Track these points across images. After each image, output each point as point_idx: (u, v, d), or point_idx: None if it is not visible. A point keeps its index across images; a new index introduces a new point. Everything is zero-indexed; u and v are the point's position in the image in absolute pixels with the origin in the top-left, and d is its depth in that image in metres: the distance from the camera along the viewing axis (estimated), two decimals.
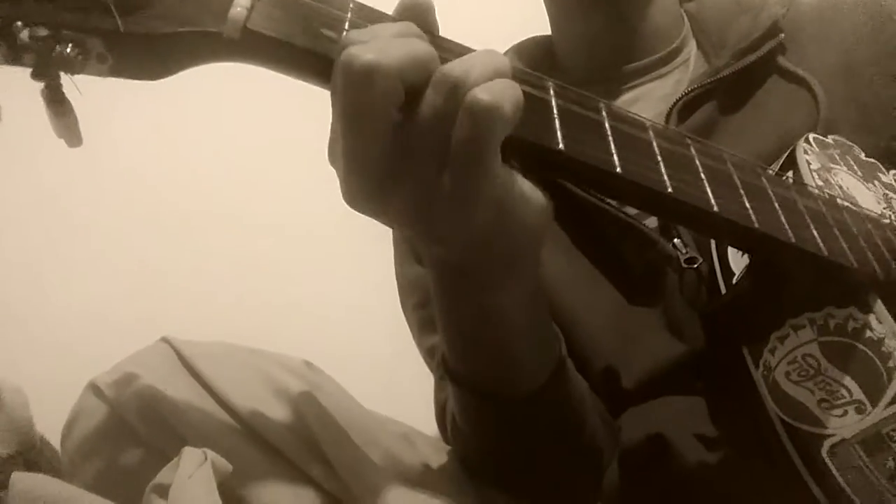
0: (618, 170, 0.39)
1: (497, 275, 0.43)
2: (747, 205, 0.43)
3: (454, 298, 0.45)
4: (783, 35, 0.69)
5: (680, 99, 0.68)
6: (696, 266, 0.63)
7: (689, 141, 0.45)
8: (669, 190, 0.40)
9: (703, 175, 0.43)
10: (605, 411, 0.64)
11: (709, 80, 0.68)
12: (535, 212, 0.40)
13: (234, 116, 1.22)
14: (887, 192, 0.59)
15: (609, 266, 0.67)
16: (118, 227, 1.23)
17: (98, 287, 1.19)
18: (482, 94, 0.34)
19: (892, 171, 0.62)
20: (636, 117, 0.44)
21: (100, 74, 0.35)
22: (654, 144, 0.42)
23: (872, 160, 0.61)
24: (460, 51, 0.39)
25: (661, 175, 0.41)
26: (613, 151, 0.40)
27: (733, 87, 0.69)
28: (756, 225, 0.43)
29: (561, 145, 0.38)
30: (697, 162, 0.44)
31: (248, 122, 1.23)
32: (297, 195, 1.22)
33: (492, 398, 0.51)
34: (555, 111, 0.40)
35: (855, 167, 0.59)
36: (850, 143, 0.61)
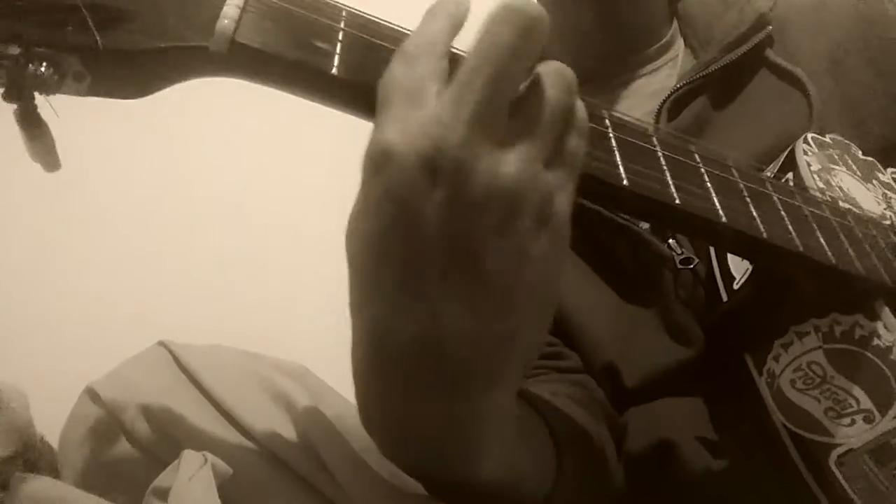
0: (624, 183, 0.38)
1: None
2: (754, 214, 0.42)
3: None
4: (770, 27, 0.69)
5: (669, 96, 0.68)
6: (692, 266, 0.62)
7: (693, 148, 0.44)
8: (677, 202, 0.39)
9: (709, 184, 0.42)
10: (611, 414, 0.63)
11: (697, 76, 0.67)
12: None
13: (234, 116, 1.20)
14: (886, 191, 0.58)
15: (603, 266, 0.67)
16: (118, 227, 1.21)
17: (99, 287, 1.17)
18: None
19: (890, 169, 0.61)
20: (639, 124, 0.42)
21: (77, 94, 0.32)
22: (660, 153, 0.41)
23: (870, 158, 0.61)
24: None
25: (669, 186, 0.39)
26: (619, 163, 0.38)
27: (723, 83, 0.68)
28: (764, 235, 0.42)
29: None
30: (703, 170, 0.42)
31: (249, 122, 1.22)
32: (296, 196, 1.20)
33: None
34: None
35: (854, 167, 0.58)
36: (848, 142, 0.60)
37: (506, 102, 0.31)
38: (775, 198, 0.45)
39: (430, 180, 0.29)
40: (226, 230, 1.23)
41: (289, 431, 0.46)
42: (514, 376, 0.35)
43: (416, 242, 0.30)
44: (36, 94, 0.32)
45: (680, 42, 0.75)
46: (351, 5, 0.38)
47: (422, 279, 0.30)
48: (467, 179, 0.29)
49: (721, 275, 0.56)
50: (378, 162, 0.30)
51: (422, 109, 0.30)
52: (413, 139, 0.29)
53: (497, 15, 0.31)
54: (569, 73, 0.34)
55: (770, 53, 0.68)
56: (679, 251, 0.63)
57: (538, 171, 0.31)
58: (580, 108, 0.34)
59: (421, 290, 0.31)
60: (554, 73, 0.33)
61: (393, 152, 0.29)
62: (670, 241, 0.64)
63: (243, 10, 0.33)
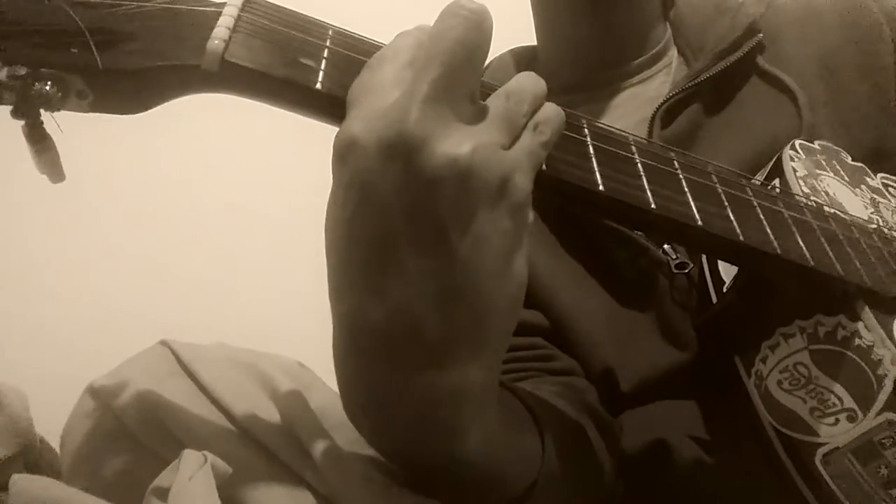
0: (600, 188, 0.40)
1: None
2: (732, 218, 0.44)
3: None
4: (761, 35, 0.70)
5: (663, 104, 0.69)
6: (687, 271, 0.63)
7: (672, 155, 0.45)
8: (653, 206, 0.41)
9: (686, 190, 0.43)
10: (600, 414, 0.64)
11: (689, 84, 0.68)
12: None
13: (235, 118, 1.22)
14: (874, 196, 0.59)
15: (600, 271, 0.68)
16: (118, 227, 1.24)
17: (98, 287, 1.20)
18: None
19: (880, 175, 0.62)
20: (619, 133, 0.44)
21: (80, 110, 0.35)
22: (637, 161, 0.43)
23: (859, 164, 0.62)
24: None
25: (645, 192, 0.41)
26: (596, 170, 0.40)
27: (715, 90, 0.69)
28: (741, 238, 0.43)
29: (543, 166, 0.38)
30: (681, 177, 0.44)
31: (249, 124, 1.23)
32: (295, 196, 1.22)
33: None
34: None
35: (842, 172, 0.59)
36: (837, 148, 0.61)
37: (462, 85, 0.33)
38: (755, 202, 0.46)
39: (389, 161, 0.31)
40: (226, 231, 1.25)
41: (281, 428, 0.46)
42: (490, 352, 0.36)
43: (380, 223, 0.32)
44: (42, 112, 0.34)
45: (673, 49, 0.76)
46: (339, 25, 0.40)
47: (389, 258, 0.32)
48: (421, 156, 0.31)
49: (712, 278, 0.57)
50: (343, 153, 0.32)
51: (383, 102, 0.32)
52: (373, 126, 0.32)
53: (447, 9, 0.34)
54: (536, 76, 0.37)
55: (761, 60, 0.69)
56: (674, 256, 0.65)
57: (495, 152, 0.33)
58: (551, 106, 0.37)
59: (390, 269, 0.32)
60: (521, 73, 0.37)
61: (355, 140, 0.32)
62: (665, 246, 0.65)
63: (233, 30, 0.35)
